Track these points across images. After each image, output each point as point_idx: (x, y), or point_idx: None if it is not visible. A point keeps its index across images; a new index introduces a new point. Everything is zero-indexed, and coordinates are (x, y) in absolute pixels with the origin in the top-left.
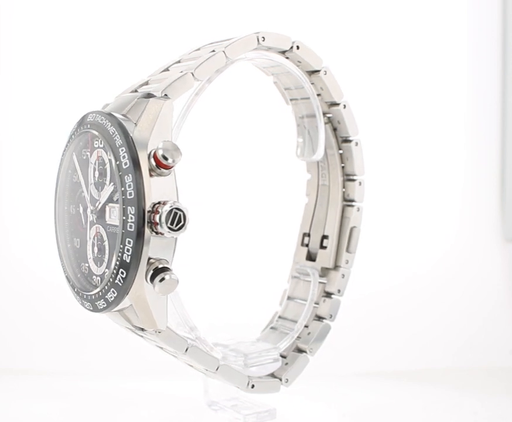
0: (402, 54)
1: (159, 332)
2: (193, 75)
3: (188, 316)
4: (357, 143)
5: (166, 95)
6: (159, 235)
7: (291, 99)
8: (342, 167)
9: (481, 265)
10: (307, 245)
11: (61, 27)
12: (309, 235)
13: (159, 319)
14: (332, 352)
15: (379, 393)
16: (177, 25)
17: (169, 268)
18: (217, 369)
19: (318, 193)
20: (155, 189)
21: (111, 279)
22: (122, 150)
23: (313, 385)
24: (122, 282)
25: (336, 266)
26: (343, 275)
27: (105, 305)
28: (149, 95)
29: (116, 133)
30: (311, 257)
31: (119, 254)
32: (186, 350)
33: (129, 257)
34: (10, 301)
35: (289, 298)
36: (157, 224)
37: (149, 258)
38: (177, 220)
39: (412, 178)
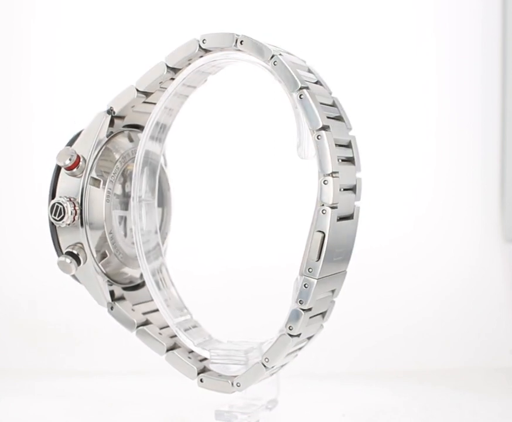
0: (402, 55)
1: (111, 309)
2: (135, 87)
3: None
4: (318, 137)
5: (111, 107)
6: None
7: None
8: None
9: (481, 265)
10: None
11: (62, 27)
12: None
13: (95, 296)
14: (331, 352)
15: (379, 393)
16: (176, 25)
17: (71, 253)
18: (164, 355)
19: None
20: (66, 187)
21: None
22: None
23: (313, 385)
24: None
25: (302, 274)
26: (305, 285)
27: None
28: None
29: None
30: None
31: None
32: (136, 329)
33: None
34: (10, 301)
35: None
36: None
37: (75, 243)
38: (59, 212)
39: (412, 179)
